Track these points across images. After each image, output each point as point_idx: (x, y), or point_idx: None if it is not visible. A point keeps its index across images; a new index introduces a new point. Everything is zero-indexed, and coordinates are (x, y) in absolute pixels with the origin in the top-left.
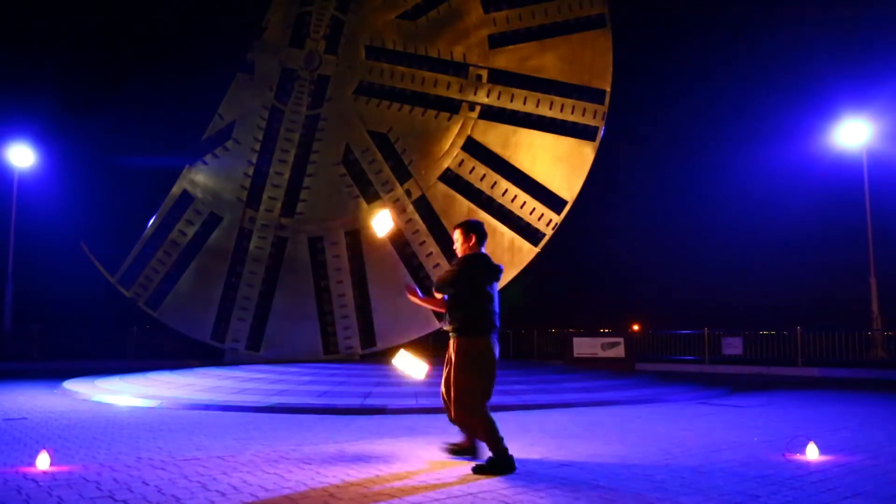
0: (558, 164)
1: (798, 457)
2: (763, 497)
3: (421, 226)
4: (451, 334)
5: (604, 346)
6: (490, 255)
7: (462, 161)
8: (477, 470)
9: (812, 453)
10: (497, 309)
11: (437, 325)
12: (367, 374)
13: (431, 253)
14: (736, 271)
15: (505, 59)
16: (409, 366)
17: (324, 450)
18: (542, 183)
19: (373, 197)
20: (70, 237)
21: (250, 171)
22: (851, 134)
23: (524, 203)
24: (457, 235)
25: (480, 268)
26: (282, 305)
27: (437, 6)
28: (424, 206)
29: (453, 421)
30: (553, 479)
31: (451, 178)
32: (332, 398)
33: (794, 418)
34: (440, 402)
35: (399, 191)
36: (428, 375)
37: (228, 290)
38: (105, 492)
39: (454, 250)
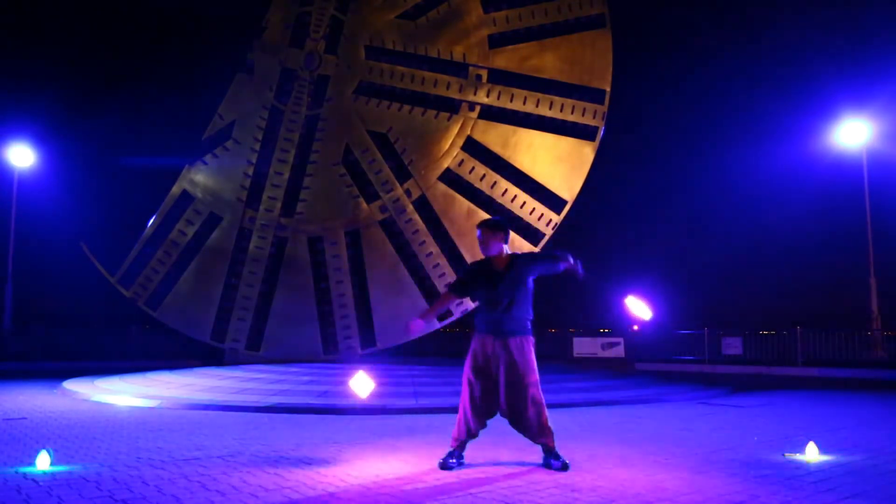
0: (558, 164)
1: (798, 457)
2: (763, 497)
3: (421, 226)
4: (502, 337)
5: (604, 346)
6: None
7: (462, 161)
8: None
9: (812, 453)
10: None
11: (437, 325)
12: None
13: (431, 253)
14: (736, 271)
15: (505, 59)
16: (360, 385)
17: (324, 450)
18: (541, 183)
19: (373, 197)
20: (70, 237)
21: (250, 171)
22: (851, 134)
23: (524, 203)
24: (485, 235)
25: None
26: (282, 305)
27: (437, 6)
28: (424, 206)
29: (537, 432)
30: (553, 479)
31: (451, 178)
32: (332, 398)
33: (794, 418)
34: (440, 403)
35: (399, 191)
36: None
37: (228, 290)
38: (105, 492)
39: (486, 247)
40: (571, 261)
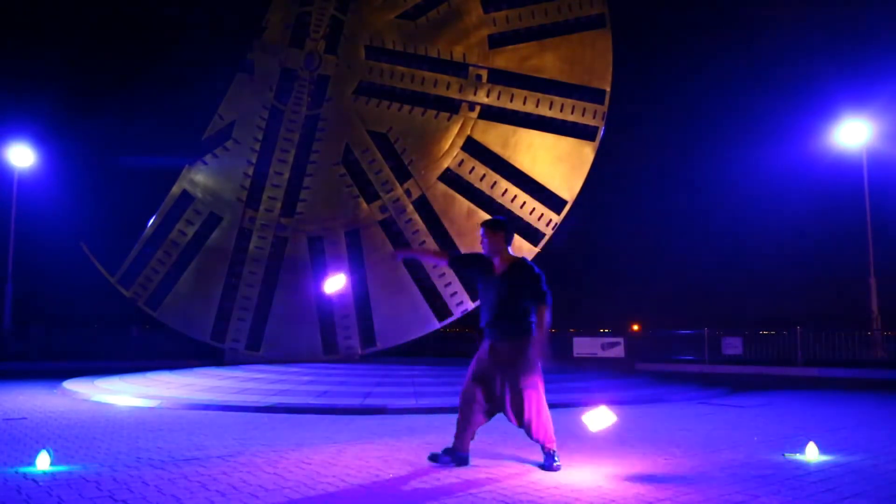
0: (558, 164)
1: (798, 457)
2: (763, 497)
3: (421, 226)
4: (503, 338)
5: (604, 346)
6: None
7: (462, 161)
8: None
9: (812, 453)
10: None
11: (437, 324)
12: (367, 374)
13: None
14: (736, 271)
15: (505, 59)
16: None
17: (324, 450)
18: (541, 183)
19: (373, 197)
20: (70, 237)
21: (250, 171)
22: (851, 134)
23: (524, 203)
24: (487, 234)
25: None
26: (282, 305)
27: (437, 6)
28: (424, 206)
29: (537, 433)
30: (553, 479)
31: (451, 178)
32: (332, 398)
33: (794, 418)
34: (440, 403)
35: (399, 191)
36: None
37: (228, 290)
38: (105, 492)
39: (486, 247)
40: (547, 316)
